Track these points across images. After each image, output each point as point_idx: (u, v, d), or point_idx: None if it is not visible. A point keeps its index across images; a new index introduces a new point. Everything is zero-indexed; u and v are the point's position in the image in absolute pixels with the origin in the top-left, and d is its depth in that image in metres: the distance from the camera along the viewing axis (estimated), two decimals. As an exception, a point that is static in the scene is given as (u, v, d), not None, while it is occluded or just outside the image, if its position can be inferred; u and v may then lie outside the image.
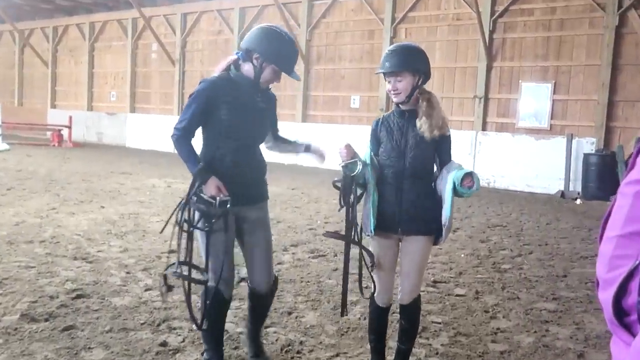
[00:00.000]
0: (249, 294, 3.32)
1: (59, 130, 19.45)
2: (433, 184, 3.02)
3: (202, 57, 19.21)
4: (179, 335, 3.67)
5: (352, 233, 3.00)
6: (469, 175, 2.81)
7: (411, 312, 3.12)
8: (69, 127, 19.46)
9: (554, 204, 10.71)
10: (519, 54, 13.01)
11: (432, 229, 2.97)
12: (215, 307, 3.04)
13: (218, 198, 2.86)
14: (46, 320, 3.80)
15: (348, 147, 2.92)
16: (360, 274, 3.14)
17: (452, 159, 3.02)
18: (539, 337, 3.91)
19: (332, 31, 16.09)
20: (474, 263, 5.90)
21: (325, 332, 3.87)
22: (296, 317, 4.09)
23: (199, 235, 2.99)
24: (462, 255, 6.21)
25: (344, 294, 3.16)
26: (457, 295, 4.80)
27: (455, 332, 3.95)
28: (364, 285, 3.25)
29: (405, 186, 2.95)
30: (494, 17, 13.14)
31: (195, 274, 3.00)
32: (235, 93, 2.93)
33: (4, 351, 3.30)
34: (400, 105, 3.00)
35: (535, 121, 12.79)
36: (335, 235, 3.25)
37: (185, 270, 2.92)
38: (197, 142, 2.99)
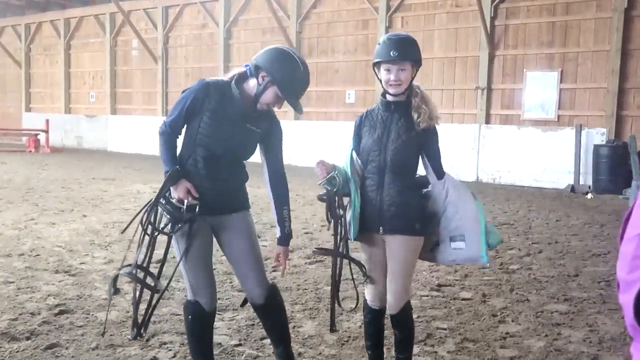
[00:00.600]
0: (256, 312, 3.31)
1: (36, 135, 19.42)
2: (415, 181, 3.07)
3: (186, 53, 19.22)
4: (170, 350, 3.69)
5: (341, 246, 3.06)
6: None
7: (401, 320, 3.11)
8: (46, 132, 19.43)
9: (564, 199, 10.78)
10: (523, 41, 13.08)
11: (416, 229, 2.98)
12: (197, 321, 3.06)
13: (186, 202, 2.90)
14: (28, 338, 3.82)
15: (321, 164, 2.96)
16: (337, 287, 3.15)
17: (441, 158, 3.06)
18: (550, 341, 3.95)
19: (324, 22, 16.12)
20: (479, 264, 5.93)
21: (324, 342, 3.90)
22: (294, 327, 4.11)
23: (174, 245, 3.05)
24: (468, 257, 6.24)
25: (332, 310, 3.20)
26: (463, 299, 4.84)
27: (462, 338, 3.99)
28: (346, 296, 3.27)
29: (386, 182, 2.98)
30: (495, 2, 13.21)
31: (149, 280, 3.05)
32: (223, 104, 2.94)
33: (-16, 373, 3.32)
34: (387, 97, 3.03)
35: (541, 112, 12.87)
36: (324, 251, 3.37)
37: (140, 274, 2.98)
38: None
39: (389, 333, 3.49)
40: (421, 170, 3.10)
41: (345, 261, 3.13)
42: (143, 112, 20.33)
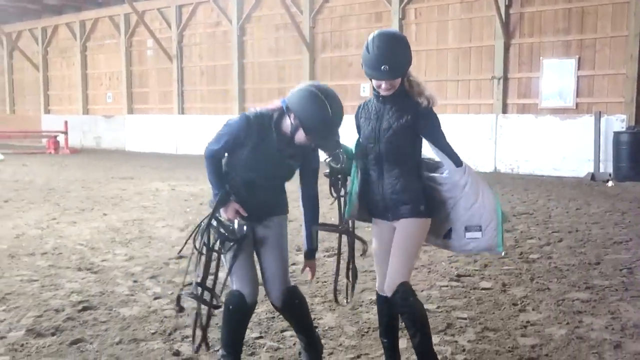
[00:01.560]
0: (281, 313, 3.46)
1: (55, 137, 19.69)
2: (415, 165, 3.12)
3: (200, 52, 19.32)
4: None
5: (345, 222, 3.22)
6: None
7: (400, 305, 3.02)
8: (65, 133, 19.69)
9: (584, 187, 10.67)
10: (539, 29, 12.93)
11: (421, 211, 3.03)
12: (237, 313, 3.14)
13: (236, 221, 3.08)
14: (53, 334, 3.89)
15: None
16: (349, 263, 3.32)
17: (446, 140, 3.13)
18: (571, 329, 3.93)
19: (337, 16, 16.09)
20: (496, 254, 5.91)
21: (344, 333, 3.92)
22: (314, 319, 4.13)
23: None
24: (487, 247, 6.21)
25: (336, 281, 3.37)
26: (483, 289, 4.82)
27: (482, 328, 3.98)
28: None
29: (385, 171, 3.08)
30: (510, -10, 13.07)
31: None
32: (263, 141, 3.06)
33: (12, 368, 3.39)
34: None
35: (559, 100, 12.73)
36: (327, 227, 3.45)
37: (199, 291, 3.13)
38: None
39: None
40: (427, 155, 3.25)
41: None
42: (159, 111, 20.49)
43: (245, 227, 3.10)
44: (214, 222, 3.10)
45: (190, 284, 3.13)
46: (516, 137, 12.93)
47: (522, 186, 10.84)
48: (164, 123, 19.90)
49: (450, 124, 13.57)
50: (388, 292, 3.07)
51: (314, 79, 16.46)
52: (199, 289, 3.10)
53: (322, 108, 2.92)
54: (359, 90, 15.71)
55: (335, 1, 16.09)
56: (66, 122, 20.09)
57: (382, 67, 2.91)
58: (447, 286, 4.92)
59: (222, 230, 3.08)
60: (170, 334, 3.89)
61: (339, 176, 3.18)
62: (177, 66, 19.72)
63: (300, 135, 3.00)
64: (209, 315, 3.19)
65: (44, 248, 6.24)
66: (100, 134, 21.95)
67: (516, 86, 13.34)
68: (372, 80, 3.04)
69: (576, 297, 4.59)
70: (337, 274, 3.35)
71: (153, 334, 3.92)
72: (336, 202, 3.22)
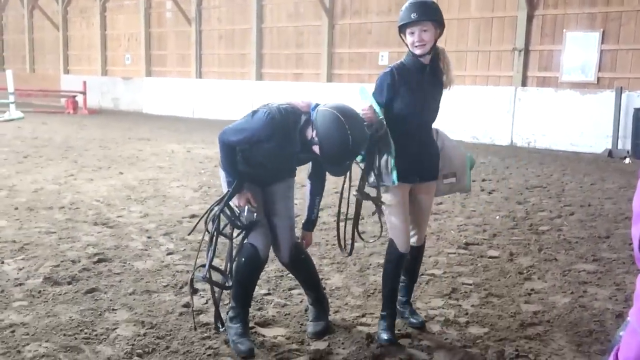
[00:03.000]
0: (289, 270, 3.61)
1: (74, 97, 19.84)
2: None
3: (219, 15, 19.20)
4: (202, 297, 3.85)
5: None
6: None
7: (421, 250, 3.59)
8: (84, 94, 19.83)
9: (600, 163, 10.58)
10: (564, 1, 12.65)
11: (437, 175, 3.42)
12: (249, 265, 3.24)
13: (247, 208, 3.17)
14: (69, 283, 4.03)
15: (371, 108, 3.13)
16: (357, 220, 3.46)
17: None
18: (575, 298, 3.98)
19: (358, -18, 15.86)
20: (509, 225, 5.95)
21: (351, 293, 4.02)
22: (321, 279, 4.22)
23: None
24: (497, 217, 6.26)
25: (353, 236, 3.48)
26: (490, 257, 4.88)
27: (487, 293, 4.05)
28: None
29: (423, 137, 3.33)
30: (536, -40, 12.76)
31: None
32: (283, 145, 3.10)
33: (29, 312, 3.54)
34: (420, 58, 3.20)
35: (581, 74, 12.51)
36: (366, 196, 3.36)
37: (212, 274, 3.26)
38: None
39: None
40: None
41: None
42: (177, 74, 20.50)
43: (255, 215, 3.18)
44: (226, 209, 3.20)
45: (203, 265, 3.23)
46: (534, 110, 12.78)
47: (538, 160, 10.78)
48: (181, 86, 19.93)
49: (468, 96, 13.50)
50: (419, 241, 3.51)
51: (332, 45, 16.34)
52: (210, 271, 3.22)
53: (344, 140, 2.90)
54: (377, 58, 15.57)
55: (357, -33, 15.83)
56: (85, 83, 20.21)
57: (412, 15, 3.11)
58: (454, 253, 4.98)
59: (231, 216, 3.19)
60: (181, 287, 4.01)
61: (378, 142, 3.18)
62: (195, 29, 19.64)
63: (316, 150, 3.03)
64: (220, 296, 3.36)
65: (62, 202, 6.39)
66: (118, 96, 22.07)
67: (537, 59, 13.13)
68: (406, 39, 3.18)
69: (582, 268, 4.63)
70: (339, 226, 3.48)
71: (165, 286, 4.04)
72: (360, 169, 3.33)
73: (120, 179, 7.85)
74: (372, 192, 3.31)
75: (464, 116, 13.48)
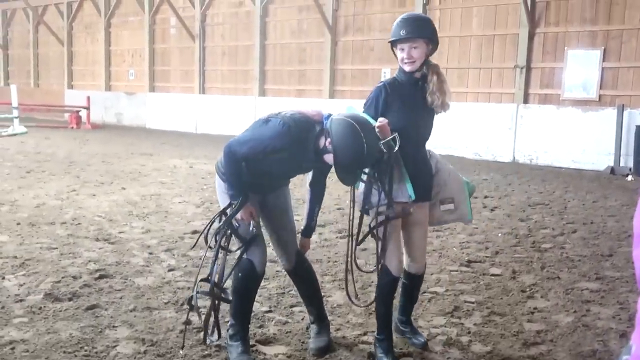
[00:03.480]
0: (291, 279, 3.62)
1: (77, 112, 19.94)
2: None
3: (223, 32, 19.35)
4: (203, 314, 3.82)
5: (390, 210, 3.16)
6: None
7: (421, 278, 3.51)
8: (87, 108, 19.93)
9: (603, 180, 10.57)
10: (565, 18, 12.73)
11: (431, 195, 3.33)
12: (246, 280, 3.25)
13: (252, 223, 3.20)
14: (70, 299, 4.02)
15: (386, 123, 3.04)
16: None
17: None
18: (578, 317, 3.95)
19: (361, -1, 15.99)
20: (511, 242, 5.94)
21: (352, 311, 3.99)
22: (323, 296, 4.21)
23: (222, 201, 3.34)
24: (500, 235, 6.24)
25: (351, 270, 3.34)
26: (493, 275, 4.86)
27: (489, 312, 4.03)
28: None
29: (418, 155, 3.24)
30: (537, -22, 12.87)
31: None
32: (295, 154, 3.06)
33: (30, 329, 3.52)
34: (412, 73, 3.18)
35: (582, 92, 12.55)
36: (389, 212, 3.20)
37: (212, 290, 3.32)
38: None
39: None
40: None
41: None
42: (181, 89, 20.61)
43: (254, 229, 3.20)
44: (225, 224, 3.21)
45: (206, 280, 3.29)
46: (536, 127, 12.80)
47: (540, 177, 10.77)
48: (184, 102, 20.03)
49: (470, 113, 13.53)
50: (419, 269, 3.42)
51: (335, 62, 16.43)
52: (214, 286, 3.27)
53: (359, 148, 2.89)
54: (379, 75, 15.63)
55: (360, -16, 15.97)
56: (88, 98, 20.32)
57: (402, 31, 3.11)
58: (457, 271, 4.96)
59: (235, 231, 3.22)
60: (182, 304, 3.99)
61: (389, 161, 3.09)
62: (199, 45, 19.78)
63: (328, 159, 3.02)
64: (218, 309, 3.38)
65: (64, 218, 6.39)
66: (121, 111, 22.16)
67: (539, 76, 13.18)
68: (398, 54, 3.16)
69: (586, 286, 4.60)
70: (351, 261, 3.30)
71: (166, 303, 4.03)
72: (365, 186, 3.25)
73: (123, 195, 7.86)
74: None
75: (465, 133, 13.51)
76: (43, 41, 25.73)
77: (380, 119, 3.04)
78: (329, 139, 2.97)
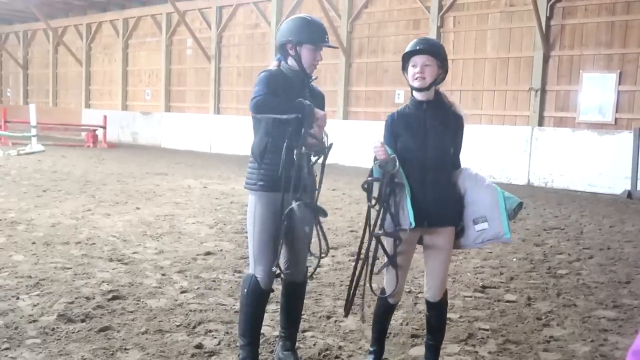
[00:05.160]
0: (284, 290, 3.50)
1: (94, 131, 20.19)
2: (451, 174, 3.25)
3: (238, 52, 19.58)
4: (215, 337, 3.82)
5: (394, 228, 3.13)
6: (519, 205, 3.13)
7: (442, 307, 3.34)
8: (104, 128, 20.18)
9: (619, 205, 10.44)
10: (580, 42, 12.73)
11: (457, 220, 3.20)
12: (251, 296, 3.25)
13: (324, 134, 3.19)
14: (82, 321, 4.02)
15: (384, 145, 3.08)
16: (371, 271, 3.26)
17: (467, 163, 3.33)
18: (596, 347, 3.88)
19: (375, 22, 16.13)
20: (527, 268, 5.87)
21: (365, 337, 3.95)
22: (335, 322, 4.18)
23: (250, 223, 3.29)
24: (514, 260, 6.17)
25: (354, 290, 3.31)
26: (508, 302, 4.79)
27: (504, 340, 3.96)
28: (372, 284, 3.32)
29: (429, 178, 3.13)
30: (552, 1, 12.91)
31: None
32: (287, 87, 3.18)
33: (42, 351, 3.53)
34: (417, 96, 3.19)
35: (598, 115, 12.49)
36: (386, 233, 3.21)
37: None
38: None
39: (396, 324, 3.51)
40: None
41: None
42: (196, 110, 20.83)
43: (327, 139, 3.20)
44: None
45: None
46: (551, 150, 12.73)
47: (556, 200, 10.68)
48: (199, 122, 20.22)
49: (484, 135, 13.51)
50: (435, 298, 3.28)
51: (349, 83, 16.53)
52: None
53: (301, 17, 3.26)
54: (393, 96, 15.70)
55: (374, 7, 16.13)
56: (105, 117, 20.59)
57: (418, 46, 3.16)
58: (471, 297, 4.90)
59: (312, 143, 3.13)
60: (194, 327, 3.98)
61: (394, 181, 3.08)
62: (215, 66, 20.01)
63: (306, 56, 3.18)
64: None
65: (78, 237, 6.43)
66: (137, 130, 22.42)
67: (554, 99, 13.14)
68: (408, 73, 3.17)
69: (603, 315, 4.52)
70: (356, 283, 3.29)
71: (178, 326, 4.02)
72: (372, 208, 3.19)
73: (137, 215, 7.90)
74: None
75: (480, 155, 13.46)
76: (62, 61, 26.21)
77: (376, 142, 3.06)
78: (288, 45, 3.21)
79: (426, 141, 3.13)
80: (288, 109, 3.04)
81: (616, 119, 12.27)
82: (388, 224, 3.15)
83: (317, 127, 3.12)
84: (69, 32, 25.63)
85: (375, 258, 3.22)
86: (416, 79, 3.12)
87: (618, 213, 9.45)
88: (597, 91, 12.48)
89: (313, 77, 3.35)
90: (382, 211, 3.14)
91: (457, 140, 3.24)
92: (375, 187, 3.14)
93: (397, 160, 3.06)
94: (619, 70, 12.19)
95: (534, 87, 13.21)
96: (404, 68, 3.23)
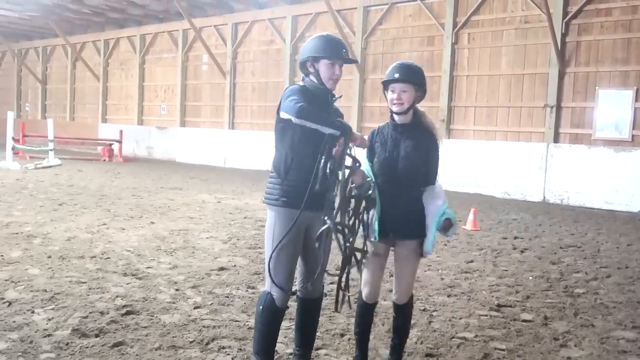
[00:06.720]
0: (300, 307, 3.50)
1: (110, 145, 20.41)
2: (420, 191, 3.47)
3: (253, 68, 19.73)
4: (228, 354, 3.80)
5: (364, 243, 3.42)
6: (448, 221, 3.36)
7: (407, 310, 3.61)
8: (120, 142, 20.39)
9: (637, 223, 10.30)
10: (596, 58, 12.67)
11: (422, 233, 3.43)
12: (266, 314, 3.26)
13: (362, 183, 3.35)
14: (96, 336, 4.03)
15: (362, 172, 3.36)
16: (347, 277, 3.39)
17: (437, 177, 3.49)
18: (615, 368, 3.80)
19: (389, 38, 16.19)
20: (543, 286, 5.79)
21: (379, 355, 3.92)
22: (349, 340, 4.15)
23: (268, 239, 3.29)
24: (530, 278, 6.09)
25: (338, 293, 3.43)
26: (524, 321, 4.72)
27: (521, 360, 3.90)
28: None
29: (398, 194, 3.38)
30: (567, 18, 12.88)
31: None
32: (315, 103, 3.21)
33: (57, 365, 3.53)
34: (396, 119, 3.46)
35: (614, 132, 12.38)
36: (354, 248, 3.39)
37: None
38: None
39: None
40: None
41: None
42: (210, 125, 20.97)
43: (370, 186, 3.35)
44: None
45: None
46: (567, 167, 12.62)
47: (572, 218, 10.56)
48: (214, 137, 20.36)
49: (499, 152, 13.44)
50: (401, 301, 3.56)
51: (363, 99, 16.57)
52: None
53: (319, 35, 3.33)
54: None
55: (389, 24, 16.20)
56: (121, 132, 20.82)
57: (395, 74, 3.38)
58: (486, 315, 4.84)
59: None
60: (207, 344, 3.97)
61: (368, 201, 3.40)
62: (230, 82, 20.19)
63: (324, 71, 3.23)
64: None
65: (93, 252, 6.47)
66: (152, 145, 22.62)
67: (569, 115, 13.06)
68: (387, 96, 3.43)
69: (622, 335, 4.44)
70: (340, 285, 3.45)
71: (191, 342, 4.01)
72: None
73: (151, 229, 7.94)
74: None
75: (494, 171, 13.39)
76: (80, 76, 26.59)
77: (357, 134, 3.23)
78: (307, 63, 3.30)
79: (398, 160, 3.38)
80: (329, 123, 3.03)
81: (633, 135, 12.15)
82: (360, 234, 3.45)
83: (356, 143, 3.25)
84: (87, 48, 26.03)
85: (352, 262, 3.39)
86: (394, 104, 3.38)
87: (636, 231, 9.31)
88: (613, 108, 12.39)
89: (337, 96, 3.39)
90: (355, 223, 3.36)
91: (430, 159, 3.44)
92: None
93: (372, 184, 3.34)
94: (635, 87, 12.10)
95: (549, 104, 13.14)
96: (385, 89, 3.47)
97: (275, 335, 3.35)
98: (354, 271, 3.48)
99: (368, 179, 3.34)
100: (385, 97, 3.47)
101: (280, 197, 3.22)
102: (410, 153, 3.38)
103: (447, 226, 3.37)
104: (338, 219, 3.21)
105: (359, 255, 3.37)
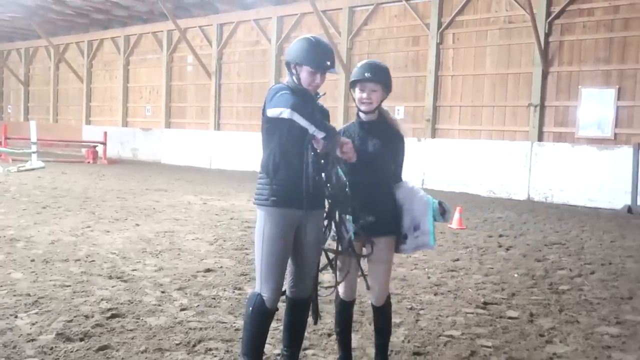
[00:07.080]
0: (288, 307, 3.47)
1: (94, 147, 20.23)
2: (391, 188, 3.49)
3: (238, 69, 19.68)
4: (215, 356, 3.78)
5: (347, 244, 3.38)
6: (442, 206, 3.38)
7: (385, 310, 3.57)
8: (104, 144, 20.22)
9: (620, 220, 10.42)
10: (578, 58, 12.81)
11: (394, 231, 3.44)
12: (256, 315, 3.23)
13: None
14: (81, 339, 3.98)
15: (350, 142, 3.26)
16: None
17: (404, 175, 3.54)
18: (599, 364, 3.84)
19: (375, 39, 16.23)
20: (528, 284, 5.83)
21: (367, 354, 3.92)
22: (336, 339, 4.14)
23: (258, 240, 3.26)
24: (516, 275, 6.14)
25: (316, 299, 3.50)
26: (510, 318, 4.75)
27: (507, 357, 3.92)
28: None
29: (369, 192, 3.39)
30: (550, 18, 13.01)
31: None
32: (299, 95, 3.19)
33: (41, 370, 3.48)
34: (362, 117, 3.48)
35: (597, 130, 12.52)
36: (334, 251, 3.44)
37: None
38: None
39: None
40: None
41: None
42: (196, 126, 20.89)
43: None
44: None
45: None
46: (551, 165, 12.74)
47: (556, 216, 10.66)
48: (199, 138, 20.27)
49: (484, 150, 13.53)
50: (378, 303, 3.53)
51: (348, 99, 16.58)
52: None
53: (307, 39, 3.23)
54: (393, 112, 15.73)
55: (374, 24, 16.24)
56: (105, 133, 20.64)
57: (366, 74, 3.37)
58: (472, 313, 4.86)
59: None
60: (194, 346, 3.94)
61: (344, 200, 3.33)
62: (215, 83, 20.11)
63: (304, 77, 3.18)
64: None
65: (78, 255, 6.40)
66: (137, 146, 22.46)
67: (553, 114, 13.19)
68: (355, 94, 3.44)
69: (606, 331, 4.48)
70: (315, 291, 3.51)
71: (177, 344, 3.98)
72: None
73: (136, 231, 7.88)
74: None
75: (479, 170, 13.47)
76: (63, 78, 26.35)
77: (345, 139, 3.18)
78: (292, 64, 3.23)
79: (367, 158, 3.36)
80: (319, 125, 3.02)
81: (615, 134, 12.30)
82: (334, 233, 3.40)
83: (340, 154, 3.18)
84: (70, 49, 25.79)
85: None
86: (363, 103, 3.40)
87: (618, 228, 9.42)
88: (596, 106, 12.53)
89: (320, 94, 3.37)
90: (329, 224, 3.36)
91: (397, 157, 3.49)
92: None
93: (347, 184, 3.29)
94: (617, 86, 12.25)
95: (533, 103, 13.26)
96: (352, 87, 3.46)
97: (264, 336, 3.34)
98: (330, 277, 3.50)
99: (343, 179, 3.30)
100: (352, 95, 3.48)
101: (269, 196, 3.21)
102: (379, 150, 3.40)
103: (443, 212, 3.38)
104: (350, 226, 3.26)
105: (331, 255, 3.38)
